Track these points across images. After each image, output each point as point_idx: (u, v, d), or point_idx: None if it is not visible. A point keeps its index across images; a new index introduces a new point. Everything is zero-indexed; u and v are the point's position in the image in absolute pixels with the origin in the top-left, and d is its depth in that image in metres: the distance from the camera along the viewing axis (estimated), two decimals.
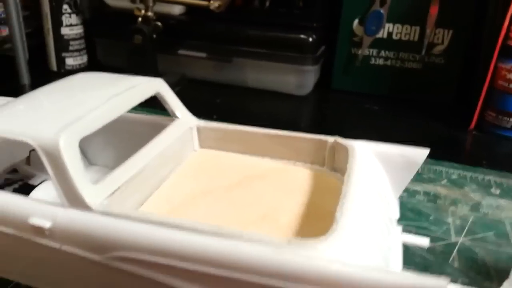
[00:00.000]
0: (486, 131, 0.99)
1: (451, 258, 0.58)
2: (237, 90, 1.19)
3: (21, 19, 1.12)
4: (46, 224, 0.39)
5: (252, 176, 0.51)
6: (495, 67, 0.95)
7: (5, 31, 1.27)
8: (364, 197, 0.42)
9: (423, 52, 1.11)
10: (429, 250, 0.59)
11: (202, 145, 0.57)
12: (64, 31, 1.21)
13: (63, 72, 1.24)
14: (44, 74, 1.22)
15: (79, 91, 0.51)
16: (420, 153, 0.50)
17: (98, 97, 0.47)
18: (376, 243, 0.40)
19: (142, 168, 0.46)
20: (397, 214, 0.50)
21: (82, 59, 1.27)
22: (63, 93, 0.50)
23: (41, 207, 0.40)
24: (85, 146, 0.62)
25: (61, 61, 1.23)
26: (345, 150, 0.49)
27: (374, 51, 1.16)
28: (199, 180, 0.51)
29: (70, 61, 1.24)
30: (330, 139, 0.52)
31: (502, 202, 0.72)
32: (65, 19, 1.20)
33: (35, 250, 0.40)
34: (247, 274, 0.33)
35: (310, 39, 1.10)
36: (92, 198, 0.39)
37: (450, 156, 0.85)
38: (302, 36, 1.10)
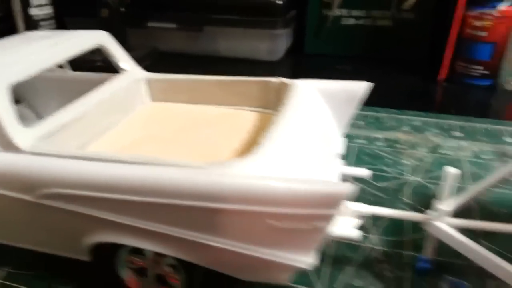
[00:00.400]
0: (456, 82, 0.98)
1: (402, 195, 0.59)
2: (210, 60, 1.19)
3: None
4: None
5: (198, 123, 0.52)
6: (463, 16, 0.95)
7: None
8: (293, 127, 0.43)
9: (394, 9, 1.10)
10: (382, 188, 0.60)
11: (153, 98, 0.58)
12: (33, 11, 1.21)
13: None
14: None
15: (20, 44, 0.51)
16: (360, 86, 0.50)
17: (35, 48, 0.48)
18: (302, 166, 0.40)
19: (81, 114, 0.47)
20: (340, 149, 0.50)
21: None
22: (4, 47, 0.50)
23: None
24: (39, 107, 0.63)
25: None
26: (287, 89, 0.50)
27: (345, 11, 1.15)
28: (146, 129, 0.51)
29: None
30: (275, 80, 0.52)
31: (463, 143, 0.72)
32: None
33: None
34: (171, 198, 0.34)
35: (279, 2, 1.09)
36: (22, 140, 0.40)
37: (418, 107, 0.85)
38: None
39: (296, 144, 0.41)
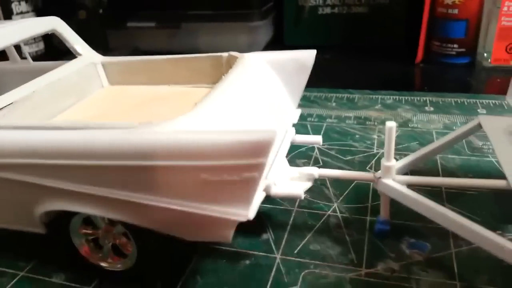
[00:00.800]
0: (433, 62, 0.98)
1: (368, 166, 0.59)
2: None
3: None
4: None
5: (151, 102, 0.52)
6: None
7: None
8: (230, 93, 0.42)
9: None
10: (349, 161, 0.60)
11: (110, 81, 0.58)
12: (16, 19, 1.22)
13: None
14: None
15: None
16: (309, 54, 0.50)
17: None
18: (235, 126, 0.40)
19: (31, 94, 0.47)
20: (292, 119, 0.50)
21: (38, 46, 1.28)
22: None
23: None
24: None
25: (16, 49, 1.24)
26: (235, 61, 0.50)
27: (320, 1, 1.15)
28: (98, 109, 0.52)
29: (26, 49, 1.25)
30: (225, 54, 0.53)
31: (434, 116, 0.72)
32: (15, 7, 1.21)
33: None
34: (104, 159, 0.34)
35: None
36: None
37: (393, 88, 0.85)
38: None
39: (231, 108, 0.41)
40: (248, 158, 0.31)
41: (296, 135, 0.51)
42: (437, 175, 0.55)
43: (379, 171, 0.43)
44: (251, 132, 0.31)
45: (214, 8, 1.13)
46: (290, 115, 0.50)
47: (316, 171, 0.45)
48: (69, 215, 0.39)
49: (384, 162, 0.42)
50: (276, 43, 1.23)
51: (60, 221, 0.40)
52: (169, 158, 0.32)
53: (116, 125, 0.35)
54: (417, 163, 0.48)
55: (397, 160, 0.46)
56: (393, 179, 0.42)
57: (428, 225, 0.45)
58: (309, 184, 0.44)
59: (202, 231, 0.36)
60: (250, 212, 0.34)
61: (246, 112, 0.42)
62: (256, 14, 1.12)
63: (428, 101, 0.78)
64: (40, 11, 1.28)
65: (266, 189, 0.40)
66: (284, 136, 0.47)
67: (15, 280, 0.43)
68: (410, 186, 0.43)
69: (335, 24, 1.16)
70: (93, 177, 0.35)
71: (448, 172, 0.56)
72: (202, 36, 1.18)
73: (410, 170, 0.49)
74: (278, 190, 0.41)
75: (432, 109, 0.75)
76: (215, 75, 0.54)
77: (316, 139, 0.50)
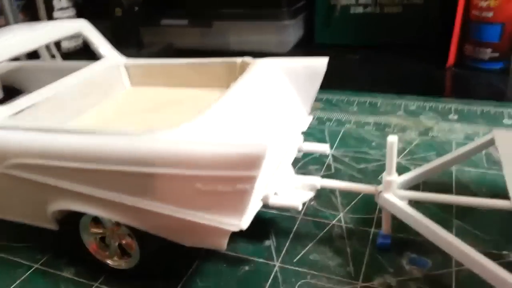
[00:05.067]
0: (465, 66, 0.95)
1: (380, 176, 0.58)
2: (221, 55, 1.21)
3: (15, 8, 1.20)
4: None
5: (168, 103, 0.54)
6: None
7: (2, 21, 1.36)
8: (235, 100, 0.43)
9: None
10: (361, 170, 0.60)
11: (133, 83, 0.61)
12: (57, 14, 1.28)
13: (61, 55, 1.31)
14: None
15: (4, 33, 0.55)
16: (321, 62, 0.50)
17: (15, 35, 0.52)
18: (235, 134, 0.41)
19: (55, 95, 0.50)
20: (303, 127, 0.51)
21: (77, 41, 1.34)
22: None
23: None
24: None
25: (56, 44, 1.31)
26: (247, 67, 0.51)
27: (352, 0, 1.14)
28: (119, 110, 0.54)
29: (65, 44, 1.31)
30: (238, 60, 0.54)
31: (457, 126, 0.70)
32: (57, 3, 1.27)
33: None
34: (107, 164, 0.36)
35: None
36: None
37: (420, 93, 0.83)
38: None
39: (235, 117, 0.42)
40: (241, 170, 0.32)
41: (304, 143, 0.51)
42: (450, 187, 0.54)
43: (381, 185, 0.43)
44: (244, 145, 0.32)
45: (244, 7, 1.14)
46: (298, 122, 0.50)
47: (319, 182, 0.45)
48: (79, 214, 0.42)
49: (385, 177, 0.42)
50: (307, 42, 1.22)
51: (70, 219, 0.43)
52: (166, 166, 0.34)
53: (121, 132, 0.37)
54: (426, 176, 0.47)
55: (410, 169, 0.46)
56: (394, 194, 0.42)
57: (431, 241, 0.45)
58: (311, 194, 0.44)
59: (197, 238, 0.37)
60: (243, 222, 0.35)
61: (249, 121, 0.43)
62: (286, 13, 1.12)
63: (452, 109, 0.76)
64: (79, 7, 1.34)
65: (264, 199, 0.41)
66: (290, 144, 0.48)
67: (29, 272, 0.46)
68: (415, 201, 0.43)
69: (367, 24, 1.14)
70: (98, 180, 0.38)
71: (462, 186, 0.54)
72: (233, 34, 1.19)
73: (421, 181, 0.48)
74: (276, 200, 0.41)
75: (456, 117, 0.73)
76: (229, 79, 0.55)
77: (323, 148, 0.50)
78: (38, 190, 0.41)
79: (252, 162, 0.31)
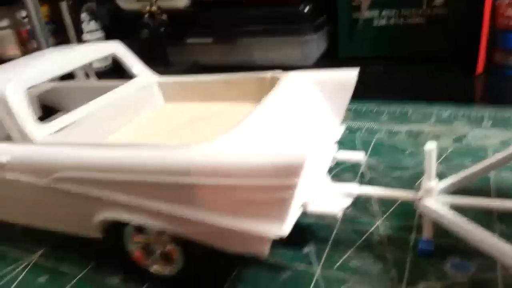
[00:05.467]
0: (495, 74, 0.94)
1: (417, 184, 0.58)
2: (246, 70, 1.23)
3: (46, 32, 1.25)
4: (3, 158, 0.46)
5: (201, 119, 0.55)
6: (494, 6, 0.91)
7: (35, 45, 1.42)
8: (269, 113, 0.44)
9: (424, 5, 1.08)
10: (396, 178, 0.59)
11: (166, 99, 0.62)
12: (86, 37, 1.33)
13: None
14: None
15: (41, 57, 0.58)
16: (352, 73, 0.51)
17: (53, 57, 0.54)
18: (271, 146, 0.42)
19: (92, 113, 0.52)
20: (334, 136, 0.51)
21: (106, 61, 1.38)
22: (28, 60, 0.57)
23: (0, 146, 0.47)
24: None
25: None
26: (278, 81, 0.52)
27: (375, 13, 1.14)
28: (153, 126, 0.56)
29: (95, 64, 1.36)
30: (268, 74, 0.55)
31: (491, 132, 0.69)
32: (85, 26, 1.32)
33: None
34: (150, 175, 0.38)
35: (306, 8, 1.11)
36: (37, 134, 0.45)
37: (450, 101, 0.82)
38: (297, 7, 1.12)
39: (269, 129, 0.43)
40: (281, 179, 0.32)
41: (339, 151, 0.51)
42: (488, 194, 0.53)
43: (421, 191, 0.43)
44: (283, 155, 0.33)
45: (267, 23, 1.16)
46: (332, 132, 0.51)
47: (356, 189, 0.45)
48: (123, 223, 0.43)
49: (424, 183, 0.41)
50: (330, 55, 1.23)
51: (115, 228, 0.44)
52: (206, 177, 0.35)
53: (163, 146, 0.38)
54: (465, 182, 0.46)
55: (447, 176, 0.45)
56: (435, 200, 0.41)
57: (475, 246, 0.44)
58: (348, 201, 0.44)
59: (239, 244, 0.37)
60: (284, 229, 0.35)
61: (284, 132, 0.44)
62: (309, 27, 1.13)
63: (486, 116, 0.75)
64: (107, 29, 1.38)
65: (303, 206, 0.42)
66: (325, 153, 0.48)
67: (76, 279, 0.47)
68: (456, 206, 0.42)
69: (390, 36, 1.14)
70: (141, 191, 0.39)
71: (501, 191, 0.53)
72: (256, 50, 1.21)
73: (459, 188, 0.47)
74: (315, 207, 0.42)
75: (489, 124, 0.72)
76: (260, 93, 0.56)
77: (358, 156, 0.50)
78: (83, 202, 0.43)
79: (292, 171, 0.32)
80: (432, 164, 0.40)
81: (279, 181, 0.32)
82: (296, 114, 0.47)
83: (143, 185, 0.38)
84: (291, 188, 0.32)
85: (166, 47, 1.21)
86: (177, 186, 0.36)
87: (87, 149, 0.41)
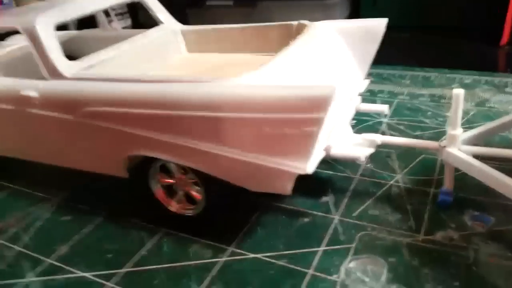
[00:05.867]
0: None
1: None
2: None
3: None
4: (33, 94, 0.46)
5: (223, 67, 0.55)
6: None
7: None
8: (296, 55, 0.44)
9: None
10: (416, 137, 0.59)
11: (188, 49, 0.62)
12: None
13: None
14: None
15: None
16: (379, 23, 0.50)
17: None
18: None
19: (119, 54, 0.52)
20: (360, 88, 0.51)
21: (126, 22, 1.38)
22: (53, 1, 0.57)
23: (29, 82, 0.47)
24: None
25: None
26: (305, 29, 0.51)
27: None
28: (176, 72, 0.56)
29: (115, 24, 1.35)
30: (295, 22, 0.54)
31: None
32: None
33: (26, 121, 0.48)
34: (180, 110, 0.38)
35: None
36: (67, 69, 0.46)
37: (473, 69, 0.81)
38: None
39: (295, 69, 0.43)
40: (308, 112, 0.33)
41: (362, 103, 0.51)
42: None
43: (444, 140, 0.43)
44: (311, 87, 0.33)
45: None
46: (356, 83, 0.50)
47: (379, 137, 0.45)
48: (149, 162, 0.44)
49: (449, 131, 0.41)
50: None
51: (140, 167, 0.45)
52: (234, 110, 0.35)
53: (192, 79, 0.39)
54: (489, 134, 0.46)
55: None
56: (459, 149, 0.41)
57: (494, 200, 0.44)
58: (371, 150, 0.44)
59: (263, 181, 0.38)
60: (308, 166, 0.35)
61: (310, 73, 0.43)
62: None
63: (509, 83, 0.73)
64: None
65: (326, 149, 0.42)
66: (349, 102, 0.48)
67: (99, 218, 0.49)
68: (477, 157, 0.42)
69: (414, 4, 1.12)
70: (170, 126, 0.39)
71: None
72: (278, 13, 1.19)
73: (481, 142, 0.47)
74: (338, 150, 0.42)
75: None
76: (285, 43, 0.56)
77: (381, 108, 0.50)
78: (111, 138, 0.43)
79: (320, 104, 0.32)
80: (458, 112, 0.40)
81: (307, 115, 0.32)
82: (323, 60, 0.47)
83: (172, 119, 0.39)
84: (317, 122, 0.32)
85: (186, 10, 1.20)
86: (203, 121, 0.37)
87: (117, 83, 0.42)
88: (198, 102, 0.37)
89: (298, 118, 0.33)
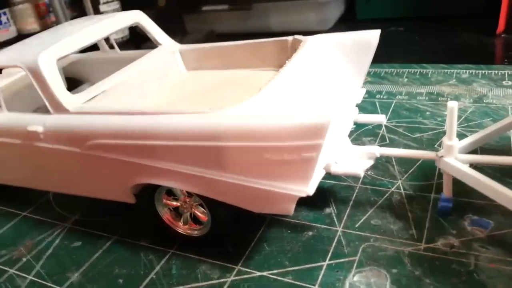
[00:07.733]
0: None
1: (436, 144, 0.58)
2: (262, 37, 1.22)
3: (63, 4, 1.26)
4: (40, 129, 0.48)
5: (222, 85, 0.57)
6: None
7: (53, 18, 1.43)
8: (292, 77, 0.45)
9: None
10: (416, 139, 0.60)
11: (187, 67, 0.63)
12: (103, 8, 1.33)
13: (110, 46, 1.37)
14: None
15: (65, 29, 0.59)
16: (373, 34, 0.51)
17: (78, 29, 0.55)
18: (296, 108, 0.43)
19: (120, 82, 0.53)
20: (357, 99, 0.52)
21: (124, 33, 1.39)
22: (53, 31, 0.59)
23: (35, 117, 0.49)
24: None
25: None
26: (300, 45, 0.52)
27: None
28: (178, 93, 0.57)
29: (112, 36, 1.37)
30: (290, 38, 0.55)
31: (511, 91, 0.69)
32: None
33: (34, 153, 0.50)
34: (181, 140, 0.39)
35: None
36: (70, 103, 0.47)
37: (471, 61, 0.81)
38: None
39: (293, 92, 0.44)
40: (307, 139, 0.34)
41: (359, 114, 0.52)
42: (508, 152, 0.54)
43: (442, 150, 0.44)
44: (309, 116, 0.34)
45: None
46: (353, 95, 0.51)
47: (378, 150, 0.46)
48: (154, 187, 0.45)
49: (446, 141, 0.42)
50: (348, 18, 1.21)
51: (147, 192, 0.46)
52: (235, 140, 0.37)
53: (191, 110, 0.40)
54: (485, 140, 0.47)
55: (467, 136, 0.46)
56: (455, 158, 0.42)
57: (492, 203, 0.45)
58: (370, 163, 0.46)
59: (266, 204, 0.39)
60: (309, 188, 0.37)
61: (308, 95, 0.44)
62: None
63: (506, 75, 0.74)
64: (125, 0, 1.38)
65: (327, 167, 0.43)
66: (346, 116, 0.49)
67: (110, 242, 0.51)
68: (475, 164, 0.43)
69: None
70: (172, 155, 0.41)
71: None
72: (273, 15, 1.20)
73: (479, 147, 0.48)
74: (338, 168, 0.43)
75: (510, 83, 0.71)
76: (281, 58, 0.57)
77: (379, 119, 0.51)
78: (117, 168, 0.45)
79: (317, 131, 0.33)
80: (453, 122, 0.40)
81: (305, 142, 0.33)
82: (319, 77, 0.48)
83: (174, 149, 0.40)
84: (316, 148, 0.34)
85: (182, 15, 1.21)
86: (205, 150, 0.38)
87: (119, 116, 0.43)
88: (199, 133, 0.38)
89: (297, 145, 0.34)
